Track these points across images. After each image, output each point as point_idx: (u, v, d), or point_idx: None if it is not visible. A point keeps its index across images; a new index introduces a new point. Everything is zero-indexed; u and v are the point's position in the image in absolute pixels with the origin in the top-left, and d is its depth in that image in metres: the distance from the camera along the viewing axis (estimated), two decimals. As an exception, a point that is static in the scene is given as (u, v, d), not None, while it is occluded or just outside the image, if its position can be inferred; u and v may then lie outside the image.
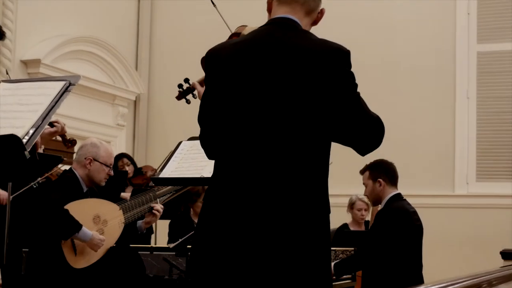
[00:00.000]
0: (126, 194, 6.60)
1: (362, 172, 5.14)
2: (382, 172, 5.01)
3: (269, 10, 2.59)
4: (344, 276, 5.12)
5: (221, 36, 3.52)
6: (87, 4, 9.55)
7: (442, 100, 9.00)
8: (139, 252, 4.85)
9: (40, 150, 4.48)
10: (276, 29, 2.49)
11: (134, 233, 4.93)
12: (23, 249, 4.86)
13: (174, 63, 9.89)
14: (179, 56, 9.88)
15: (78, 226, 4.35)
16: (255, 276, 2.33)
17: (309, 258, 2.35)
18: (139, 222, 5.02)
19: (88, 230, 4.41)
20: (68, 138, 4.37)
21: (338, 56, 2.41)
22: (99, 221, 4.58)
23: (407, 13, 9.29)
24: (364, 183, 5.10)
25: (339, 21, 9.46)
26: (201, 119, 2.53)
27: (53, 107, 2.65)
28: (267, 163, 2.36)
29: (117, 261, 4.64)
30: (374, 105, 8.52)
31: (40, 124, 2.63)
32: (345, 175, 9.00)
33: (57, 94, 2.67)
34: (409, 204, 5.00)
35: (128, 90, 10.27)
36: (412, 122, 9.08)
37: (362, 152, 2.56)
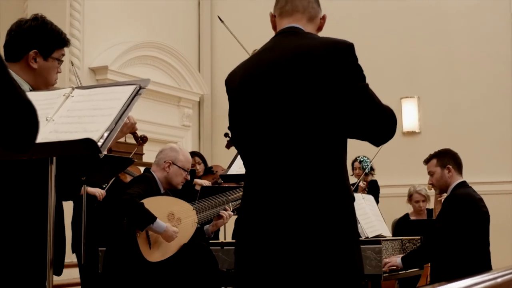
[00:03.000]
0: (200, 181, 6.73)
1: (427, 161, 5.10)
2: (451, 159, 4.99)
3: (274, 27, 2.68)
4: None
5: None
6: (149, 10, 9.76)
7: (500, 87, 8.92)
8: (210, 248, 4.96)
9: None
10: (280, 38, 2.59)
11: (203, 238, 5.06)
12: (100, 248, 5.03)
13: (235, 63, 9.98)
14: (240, 56, 9.95)
15: (153, 217, 4.50)
16: (282, 268, 2.38)
17: (334, 247, 2.37)
18: (207, 226, 5.15)
19: (163, 222, 4.57)
20: (139, 135, 4.45)
21: (340, 50, 2.41)
22: (173, 219, 4.72)
23: (463, 2, 9.23)
24: (430, 171, 5.05)
25: (395, 14, 9.46)
26: (230, 127, 2.68)
27: (125, 110, 2.70)
28: (284, 162, 2.42)
29: (191, 257, 4.75)
30: (432, 96, 8.46)
31: (114, 127, 2.66)
32: (403, 166, 9.01)
33: (129, 97, 2.74)
34: (475, 191, 4.96)
35: (192, 92, 10.46)
36: (471, 111, 9.04)
37: (376, 143, 2.52)
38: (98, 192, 6.12)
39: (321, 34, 2.69)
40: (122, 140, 6.55)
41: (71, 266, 6.75)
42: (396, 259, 4.86)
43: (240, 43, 4.05)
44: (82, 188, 6.29)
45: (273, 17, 2.69)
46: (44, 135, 2.65)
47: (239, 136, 2.61)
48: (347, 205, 2.44)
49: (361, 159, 7.72)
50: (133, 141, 5.35)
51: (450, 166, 4.96)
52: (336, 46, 2.43)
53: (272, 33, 2.68)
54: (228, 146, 3.17)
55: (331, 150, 2.43)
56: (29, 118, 1.65)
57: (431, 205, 6.98)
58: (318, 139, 2.40)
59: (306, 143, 2.40)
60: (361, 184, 7.49)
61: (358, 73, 2.43)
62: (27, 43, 3.03)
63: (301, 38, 2.52)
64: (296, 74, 2.42)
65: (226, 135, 3.09)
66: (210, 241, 5.20)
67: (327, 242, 2.35)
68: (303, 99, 2.40)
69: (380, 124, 2.43)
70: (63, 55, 3.14)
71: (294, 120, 2.42)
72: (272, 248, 2.40)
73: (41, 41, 3.03)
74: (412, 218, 6.91)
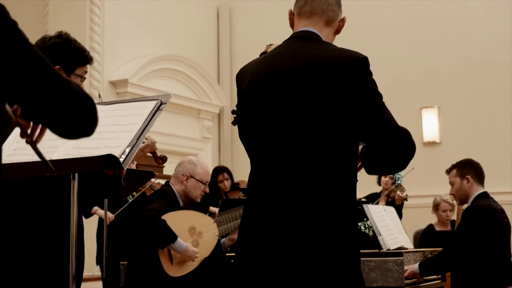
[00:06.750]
0: (214, 209, 6.74)
1: (448, 171, 5.11)
2: (470, 169, 4.99)
3: (292, 25, 2.63)
4: (434, 277, 5.08)
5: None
6: (169, 23, 9.81)
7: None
8: (231, 261, 4.97)
9: (133, 166, 4.65)
10: (294, 42, 2.52)
11: (219, 251, 5.06)
12: (121, 262, 5.05)
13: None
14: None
15: (174, 236, 4.51)
16: (281, 276, 2.34)
17: (332, 262, 2.32)
18: (223, 240, 5.14)
19: (183, 242, 4.57)
20: (159, 155, 4.45)
21: (354, 64, 2.36)
22: (194, 233, 4.72)
23: (482, 10, 9.19)
24: (450, 182, 5.06)
25: (415, 23, 9.44)
26: (239, 135, 2.65)
27: (146, 126, 2.71)
28: (289, 173, 2.38)
29: (212, 271, 4.75)
30: (452, 105, 8.37)
31: (135, 143, 2.66)
32: (424, 176, 8.93)
33: (150, 113, 2.75)
34: (495, 202, 4.95)
35: (212, 104, 10.48)
36: (492, 120, 8.97)
37: (394, 168, 2.45)
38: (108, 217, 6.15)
39: (339, 39, 2.65)
40: (142, 153, 6.57)
41: (94, 279, 6.78)
42: (414, 266, 4.85)
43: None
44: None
45: (291, 15, 2.64)
46: (67, 151, 2.66)
47: (246, 142, 2.58)
48: (349, 222, 2.38)
49: None
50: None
51: (469, 177, 4.96)
52: (350, 59, 2.36)
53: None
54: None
55: (339, 165, 2.37)
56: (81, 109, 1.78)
57: (454, 216, 6.93)
58: (326, 152, 2.36)
59: (314, 156, 2.36)
60: (400, 193, 7.15)
61: (372, 89, 2.37)
62: (51, 59, 3.05)
63: (315, 47, 2.46)
64: (308, 85, 2.37)
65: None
66: (229, 253, 5.20)
67: (325, 255, 2.31)
68: (313, 111, 2.35)
69: (394, 146, 2.35)
70: (86, 72, 3.18)
71: (302, 131, 2.37)
72: (271, 257, 2.36)
73: (64, 57, 3.07)
74: (437, 229, 6.87)
